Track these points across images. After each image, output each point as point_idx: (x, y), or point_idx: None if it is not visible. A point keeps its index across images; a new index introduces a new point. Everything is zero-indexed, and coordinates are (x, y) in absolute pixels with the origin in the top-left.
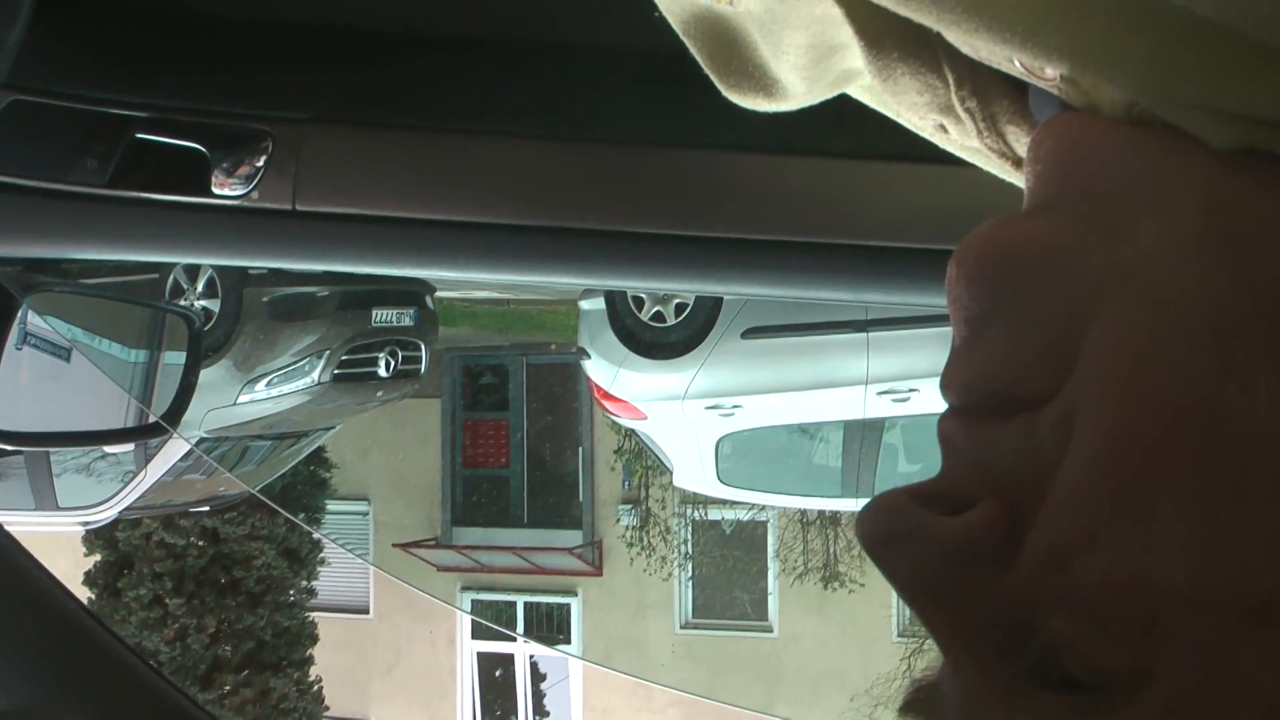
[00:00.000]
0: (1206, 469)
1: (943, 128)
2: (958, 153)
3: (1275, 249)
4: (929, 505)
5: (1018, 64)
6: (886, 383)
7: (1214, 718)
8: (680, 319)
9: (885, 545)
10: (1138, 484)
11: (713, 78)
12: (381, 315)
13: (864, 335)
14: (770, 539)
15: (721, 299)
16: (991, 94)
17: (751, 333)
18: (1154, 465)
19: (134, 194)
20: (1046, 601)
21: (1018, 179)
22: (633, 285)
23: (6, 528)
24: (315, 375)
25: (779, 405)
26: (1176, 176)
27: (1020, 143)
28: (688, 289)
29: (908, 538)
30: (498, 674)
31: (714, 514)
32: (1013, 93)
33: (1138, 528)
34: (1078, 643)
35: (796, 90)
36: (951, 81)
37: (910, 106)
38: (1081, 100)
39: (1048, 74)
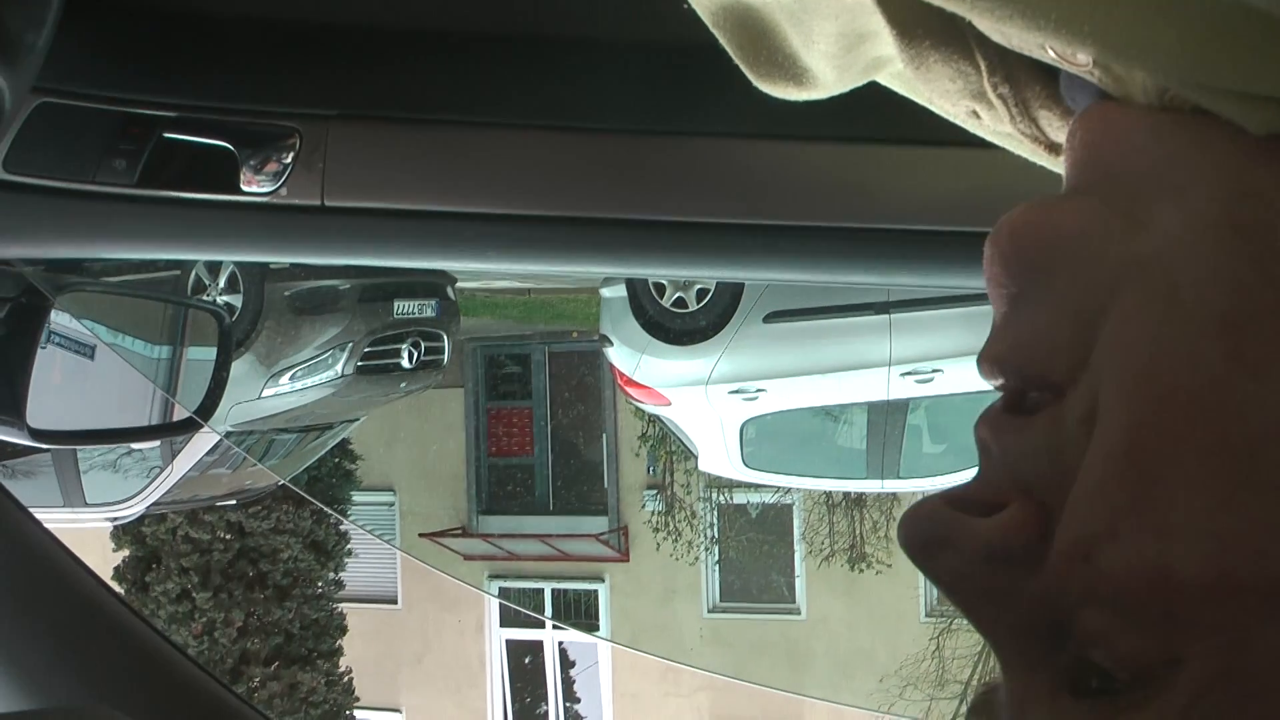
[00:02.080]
0: (1220, 457)
1: (975, 114)
2: (990, 138)
3: None
4: (965, 510)
5: (1050, 50)
6: (909, 364)
7: (1243, 699)
8: (702, 305)
9: (924, 551)
10: (1154, 473)
11: (743, 68)
12: (403, 307)
13: (886, 317)
14: (796, 521)
15: (743, 284)
16: (1023, 80)
17: (773, 317)
18: (1169, 455)
19: (163, 193)
20: (1076, 595)
21: (1050, 163)
22: (655, 273)
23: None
24: (339, 368)
25: (802, 388)
26: (1198, 164)
27: (1053, 127)
28: (710, 275)
29: (944, 542)
30: (527, 661)
31: (739, 497)
32: (1044, 78)
33: (1156, 516)
34: (1107, 634)
35: (827, 78)
36: (983, 68)
37: (942, 93)
38: (1114, 85)
39: (1080, 60)
